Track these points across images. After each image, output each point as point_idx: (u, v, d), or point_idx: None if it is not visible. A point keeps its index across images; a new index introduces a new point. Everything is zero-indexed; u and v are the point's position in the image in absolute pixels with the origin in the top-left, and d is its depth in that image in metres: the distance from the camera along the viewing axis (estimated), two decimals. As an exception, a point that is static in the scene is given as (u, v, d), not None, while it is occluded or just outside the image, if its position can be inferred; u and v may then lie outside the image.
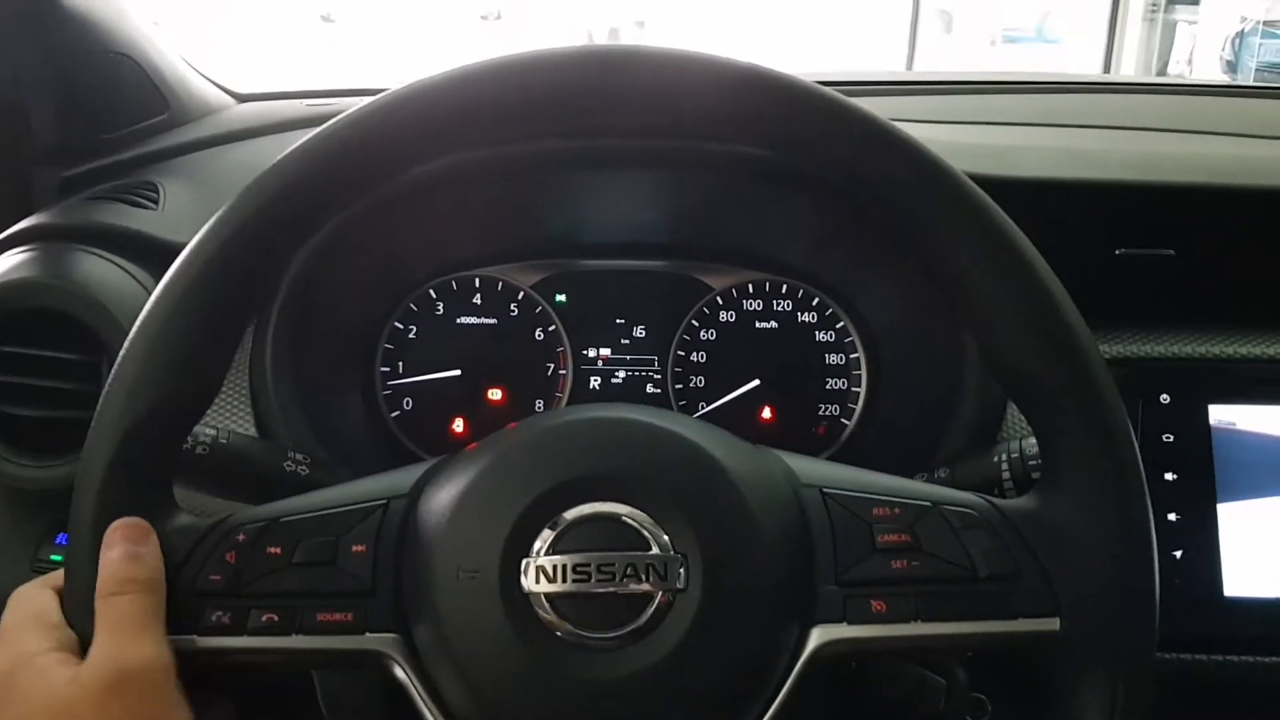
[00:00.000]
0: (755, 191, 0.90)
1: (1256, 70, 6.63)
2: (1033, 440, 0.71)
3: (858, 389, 0.98)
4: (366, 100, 0.53)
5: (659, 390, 1.00)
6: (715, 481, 0.54)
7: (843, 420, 0.99)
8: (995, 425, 0.83)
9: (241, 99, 1.17)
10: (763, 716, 0.51)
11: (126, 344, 0.53)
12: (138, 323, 0.53)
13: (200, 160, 0.99)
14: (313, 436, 0.84)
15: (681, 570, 0.51)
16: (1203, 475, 0.79)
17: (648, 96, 0.53)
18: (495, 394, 0.99)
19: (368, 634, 0.52)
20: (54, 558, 0.83)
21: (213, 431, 0.72)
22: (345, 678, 0.69)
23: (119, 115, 0.98)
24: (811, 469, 0.58)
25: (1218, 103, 1.13)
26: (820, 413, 0.99)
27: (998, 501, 0.55)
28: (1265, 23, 6.64)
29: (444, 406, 0.99)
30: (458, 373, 0.99)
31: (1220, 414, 0.81)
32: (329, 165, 0.53)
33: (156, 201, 0.89)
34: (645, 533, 0.52)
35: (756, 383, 0.99)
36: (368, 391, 0.98)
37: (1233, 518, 0.79)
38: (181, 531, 0.54)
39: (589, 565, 0.51)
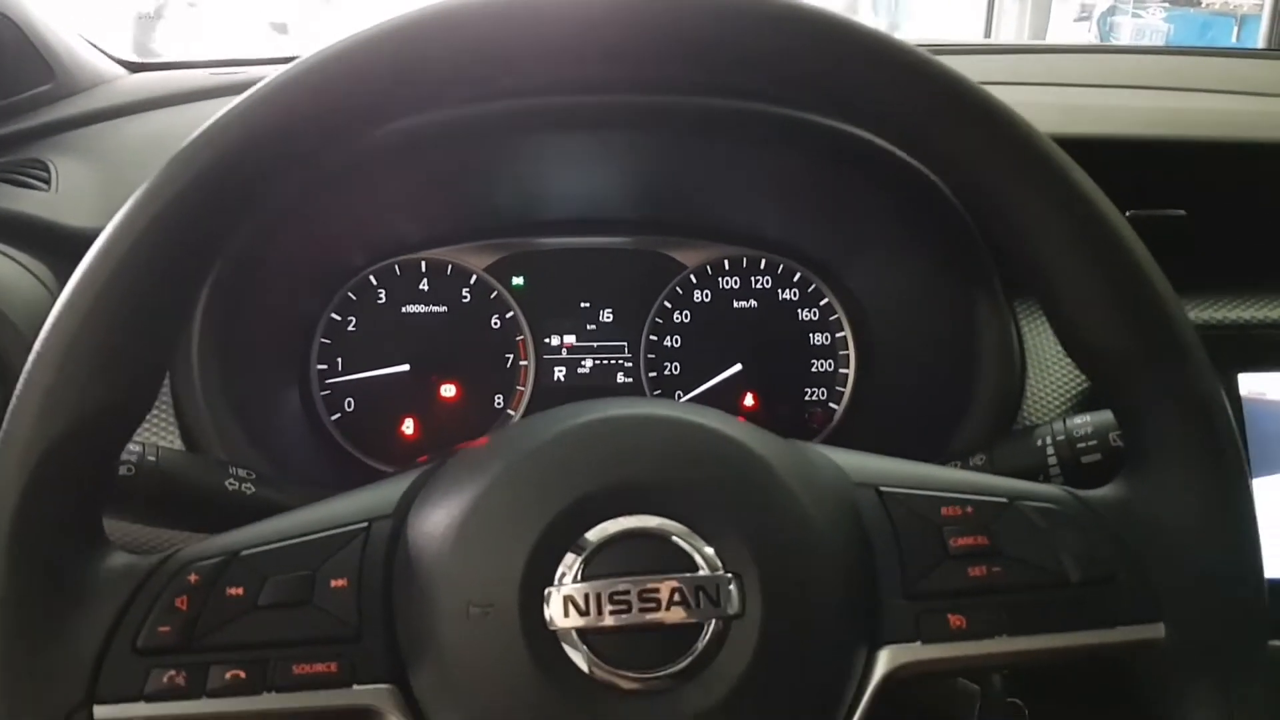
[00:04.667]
0: (726, 153, 0.83)
1: (1129, 47, 6.83)
2: (1079, 420, 0.65)
3: (845, 370, 0.92)
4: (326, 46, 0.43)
5: (630, 379, 0.92)
6: (765, 485, 0.47)
7: (831, 405, 0.92)
8: (1016, 406, 0.76)
9: (134, 68, 1.09)
10: None
11: (36, 349, 0.42)
12: (50, 321, 0.42)
13: (95, 134, 0.89)
14: (250, 447, 0.74)
15: (734, 592, 0.44)
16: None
17: (710, 45, 0.44)
18: (448, 390, 0.90)
19: (355, 686, 0.43)
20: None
21: (138, 448, 0.61)
22: None
23: (-4, 84, 0.86)
24: (862, 465, 0.51)
25: (1198, 62, 1.08)
26: (806, 398, 0.91)
27: (1081, 493, 0.50)
28: (1135, 4, 6.85)
29: (390, 406, 0.90)
30: (405, 368, 0.90)
31: (1250, 384, 0.76)
32: (297, 111, 0.43)
33: (48, 181, 0.79)
34: (688, 549, 0.44)
35: (739, 367, 0.91)
36: (305, 392, 0.88)
37: (1268, 492, 0.74)
38: (119, 575, 0.44)
39: (628, 592, 0.43)
